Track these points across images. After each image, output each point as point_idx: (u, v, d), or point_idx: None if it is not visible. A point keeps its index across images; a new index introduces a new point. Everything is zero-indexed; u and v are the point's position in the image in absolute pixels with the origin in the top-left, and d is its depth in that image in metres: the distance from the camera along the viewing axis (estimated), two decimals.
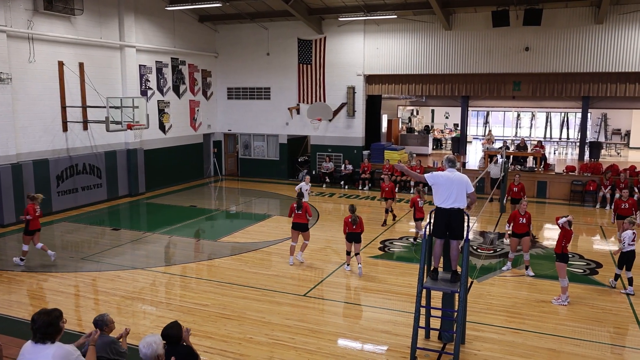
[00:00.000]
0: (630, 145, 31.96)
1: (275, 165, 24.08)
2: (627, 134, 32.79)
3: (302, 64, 22.59)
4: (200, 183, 22.95)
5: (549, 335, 8.36)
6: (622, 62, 18.52)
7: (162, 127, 21.16)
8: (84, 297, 10.12)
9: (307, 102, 22.72)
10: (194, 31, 22.68)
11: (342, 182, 21.79)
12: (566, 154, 29.93)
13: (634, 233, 10.16)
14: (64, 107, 16.91)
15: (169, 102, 21.44)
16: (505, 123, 37.90)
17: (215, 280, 10.86)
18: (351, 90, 21.94)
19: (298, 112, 23.08)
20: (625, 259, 10.17)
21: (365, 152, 22.57)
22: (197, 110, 23.26)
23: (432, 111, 37.79)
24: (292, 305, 9.61)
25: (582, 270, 11.59)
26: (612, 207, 14.62)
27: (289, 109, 23.12)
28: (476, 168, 21.55)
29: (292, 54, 22.72)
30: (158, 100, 20.86)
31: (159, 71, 20.84)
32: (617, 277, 10.52)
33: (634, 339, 8.35)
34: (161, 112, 21.07)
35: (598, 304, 9.68)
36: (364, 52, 21.67)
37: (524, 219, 11.20)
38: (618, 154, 28.73)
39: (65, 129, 17.05)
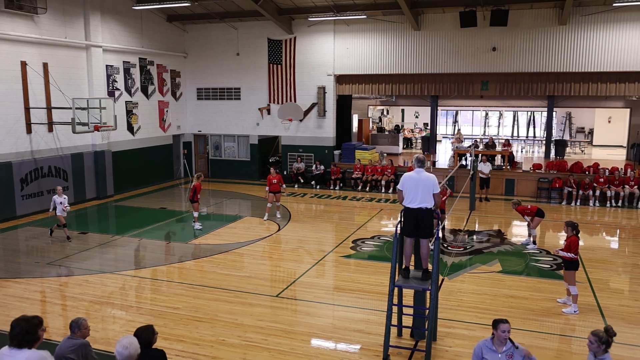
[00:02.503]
0: (594, 143, 32.79)
1: (246, 166, 23.95)
2: (591, 132, 33.63)
3: (273, 64, 22.53)
4: (170, 185, 22.68)
5: (518, 330, 8.49)
6: (585, 62, 18.99)
7: (130, 128, 20.84)
8: (51, 303, 9.89)
9: (278, 103, 22.67)
10: (162, 31, 22.40)
11: (313, 182, 21.81)
12: (533, 152, 30.54)
13: None
14: (27, 109, 16.51)
15: (137, 103, 21.12)
16: (474, 122, 38.49)
17: (186, 283, 10.74)
18: (322, 90, 21.97)
19: (269, 113, 23.01)
20: None
21: (337, 152, 22.63)
22: (167, 111, 22.99)
23: (402, 111, 38.13)
24: (264, 306, 9.57)
25: (548, 266, 11.83)
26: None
27: (259, 109, 23.03)
28: (446, 167, 21.82)
29: (262, 54, 22.64)
30: (126, 101, 20.54)
31: (127, 71, 20.52)
32: None
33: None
34: (129, 113, 20.75)
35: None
36: (334, 52, 21.73)
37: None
38: (582, 151, 29.46)
39: (29, 130, 16.65)
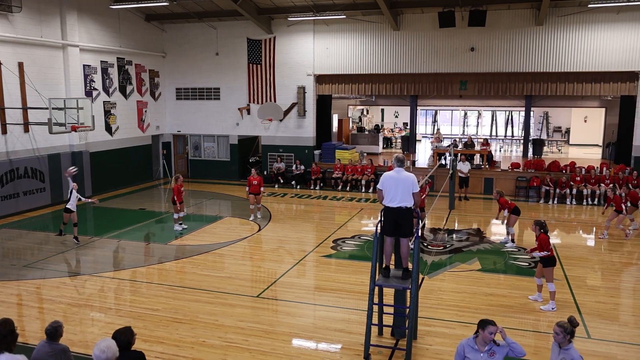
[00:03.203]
0: (570, 142, 33.33)
1: (226, 166, 23.84)
2: (567, 131, 34.18)
3: (252, 63, 22.46)
4: (150, 185, 22.46)
5: None
6: (562, 62, 19.27)
7: (108, 128, 20.60)
8: (28, 306, 9.72)
9: (258, 103, 22.60)
10: (140, 30, 22.17)
11: (293, 182, 21.79)
12: (511, 151, 30.90)
13: None
14: (2, 109, 16.22)
15: (115, 103, 20.89)
16: (453, 121, 38.77)
17: (166, 284, 10.65)
18: (301, 90, 21.97)
19: (248, 113, 22.93)
20: None
21: (317, 152, 22.65)
22: (145, 111, 22.77)
23: (382, 110, 38.28)
24: (245, 306, 9.53)
25: (527, 264, 11.98)
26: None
27: (239, 109, 22.94)
28: (425, 166, 21.96)
29: (241, 54, 22.55)
30: (104, 101, 20.30)
31: (104, 71, 20.27)
32: None
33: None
34: (107, 113, 20.51)
35: (543, 295, 9.99)
36: (313, 52, 21.74)
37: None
38: (559, 150, 29.91)
39: (4, 131, 16.36)
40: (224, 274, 11.32)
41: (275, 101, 22.35)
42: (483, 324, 5.47)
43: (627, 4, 16.99)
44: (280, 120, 22.43)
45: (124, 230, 15.09)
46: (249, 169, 23.54)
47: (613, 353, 7.86)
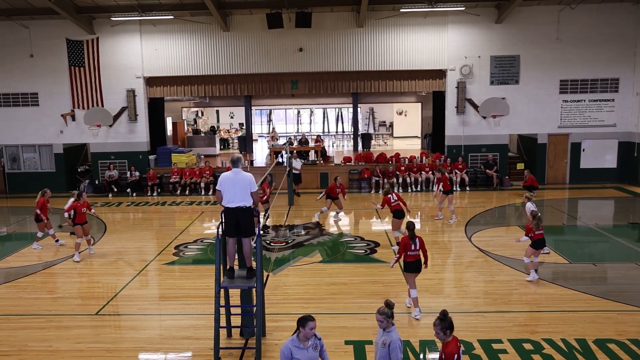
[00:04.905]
0: (394, 135, 36.19)
1: (52, 177, 21.85)
2: (391, 125, 37.07)
3: (74, 66, 20.89)
4: None
5: (341, 314, 9.11)
6: (381, 62, 20.81)
7: None
8: None
9: (83, 108, 21.13)
10: None
11: (128, 190, 20.78)
12: (343, 146, 32.62)
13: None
14: None
15: None
16: (287, 120, 39.83)
17: None
18: (131, 94, 21.01)
19: (73, 119, 21.32)
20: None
21: (152, 157, 21.84)
22: None
23: (217, 112, 38.01)
24: (83, 327, 8.92)
25: (363, 251, 12.81)
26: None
27: (62, 115, 21.20)
28: (263, 165, 22.32)
29: (61, 56, 20.85)
30: None
31: None
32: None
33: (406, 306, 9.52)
34: None
35: (379, 279, 10.80)
36: (142, 54, 20.88)
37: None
38: (385, 143, 32.28)
39: None
40: (57, 295, 10.48)
41: (103, 106, 21.08)
42: (302, 321, 5.59)
43: (431, 9, 18.90)
44: (110, 126, 21.23)
45: None
46: (78, 179, 22.01)
47: None
